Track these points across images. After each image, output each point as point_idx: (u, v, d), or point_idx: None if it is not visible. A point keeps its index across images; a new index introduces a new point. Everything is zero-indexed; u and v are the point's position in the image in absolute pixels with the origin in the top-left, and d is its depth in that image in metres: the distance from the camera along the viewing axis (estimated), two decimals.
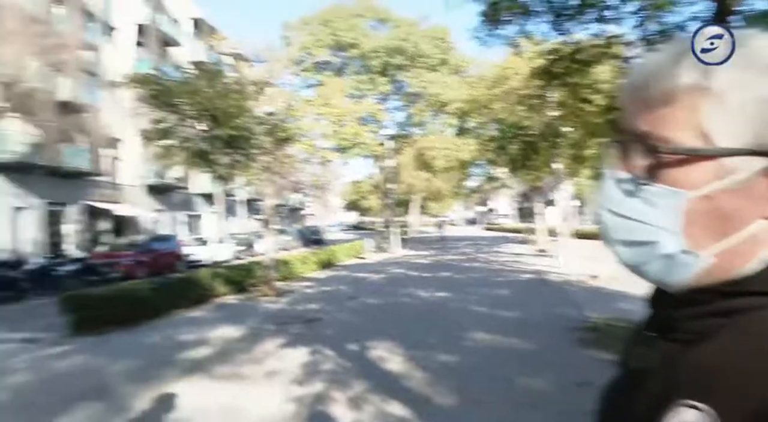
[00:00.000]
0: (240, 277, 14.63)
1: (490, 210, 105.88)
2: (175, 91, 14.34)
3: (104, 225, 30.15)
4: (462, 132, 35.20)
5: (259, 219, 41.29)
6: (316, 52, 33.56)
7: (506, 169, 30.29)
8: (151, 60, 32.08)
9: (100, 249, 23.44)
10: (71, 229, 27.35)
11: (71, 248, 25.97)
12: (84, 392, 6.01)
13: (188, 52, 37.23)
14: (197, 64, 16.87)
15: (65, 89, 24.99)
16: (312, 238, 42.76)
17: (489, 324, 9.28)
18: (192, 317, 11.09)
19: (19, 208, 23.83)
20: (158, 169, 32.14)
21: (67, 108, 25.00)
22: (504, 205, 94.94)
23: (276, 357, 7.41)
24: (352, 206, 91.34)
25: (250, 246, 31.83)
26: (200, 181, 36.41)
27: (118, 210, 29.88)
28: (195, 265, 23.09)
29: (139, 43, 33.97)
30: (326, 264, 22.05)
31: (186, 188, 37.51)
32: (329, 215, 71.83)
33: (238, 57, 25.50)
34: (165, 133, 15.04)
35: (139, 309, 10.42)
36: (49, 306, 11.28)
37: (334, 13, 34.81)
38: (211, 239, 30.15)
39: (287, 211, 54.76)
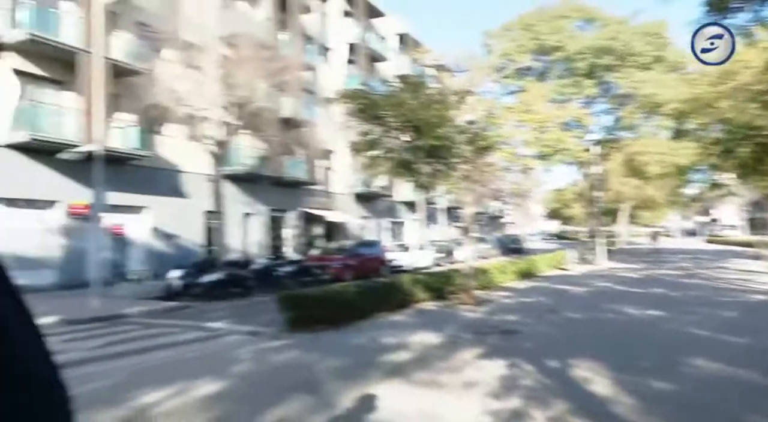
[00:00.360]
0: (439, 284, 14.85)
1: (713, 220, 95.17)
2: (380, 104, 15.03)
3: (317, 230, 32.79)
4: (679, 134, 32.07)
5: (459, 227, 41.67)
6: (518, 57, 32.99)
7: (734, 175, 26.93)
8: (361, 76, 34.26)
9: (313, 252, 25.50)
10: (289, 234, 30.22)
11: (289, 251, 28.68)
12: (297, 385, 6.53)
13: (394, 66, 39.03)
14: (402, 78, 17.54)
15: (287, 107, 27.72)
16: (511, 247, 42.11)
17: (712, 349, 8.26)
18: (393, 321, 11.50)
19: (247, 214, 26.97)
20: (365, 178, 34.17)
21: (289, 124, 27.67)
22: (730, 214, 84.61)
23: (473, 367, 7.36)
24: (553, 215, 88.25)
25: (449, 253, 32.27)
26: (403, 190, 37.90)
27: (330, 216, 32.29)
28: (397, 270, 23.84)
29: (350, 61, 36.46)
30: (526, 275, 21.49)
31: (390, 196, 39.26)
32: (530, 224, 70.07)
33: (440, 68, 26.08)
34: (371, 145, 15.79)
35: (347, 310, 11.08)
36: (270, 304, 12.50)
37: (537, 17, 33.95)
38: (413, 245, 31.12)
39: (487, 219, 54.56)
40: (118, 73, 20.08)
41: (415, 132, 14.71)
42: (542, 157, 32.05)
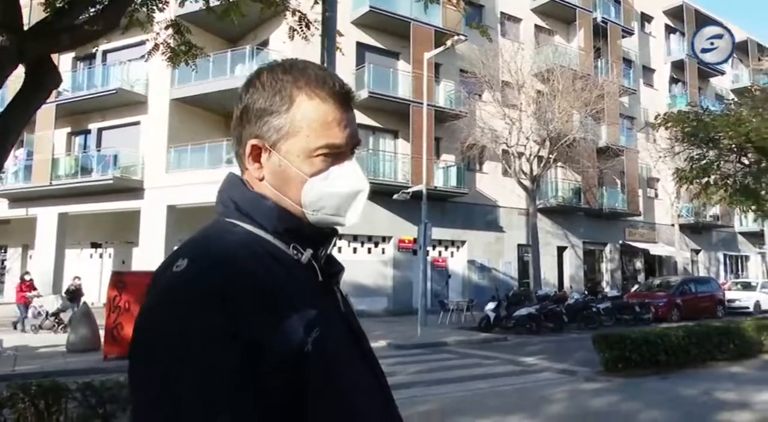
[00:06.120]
0: None
1: None
2: (712, 125, 13.47)
3: (637, 264, 30.47)
4: None
5: None
6: None
7: None
8: (687, 94, 31.09)
9: (633, 288, 23.75)
10: (606, 268, 28.66)
11: (606, 286, 27.16)
12: None
13: (730, 79, 34.68)
14: (739, 92, 15.47)
15: (604, 135, 26.63)
16: None
17: None
18: (732, 373, 9.90)
19: (562, 248, 26.48)
20: (694, 207, 30.62)
21: (606, 153, 26.48)
22: None
23: None
24: None
25: None
26: (746, 218, 32.89)
27: (653, 249, 29.69)
28: (737, 312, 21.35)
29: (675, 80, 33.49)
30: None
31: (727, 226, 34.47)
32: None
33: None
34: (702, 171, 14.30)
35: (671, 355, 9.94)
36: (583, 341, 11.93)
37: None
38: (759, 283, 26.56)
39: None
40: (440, 118, 21.85)
41: (759, 153, 12.90)
42: None
